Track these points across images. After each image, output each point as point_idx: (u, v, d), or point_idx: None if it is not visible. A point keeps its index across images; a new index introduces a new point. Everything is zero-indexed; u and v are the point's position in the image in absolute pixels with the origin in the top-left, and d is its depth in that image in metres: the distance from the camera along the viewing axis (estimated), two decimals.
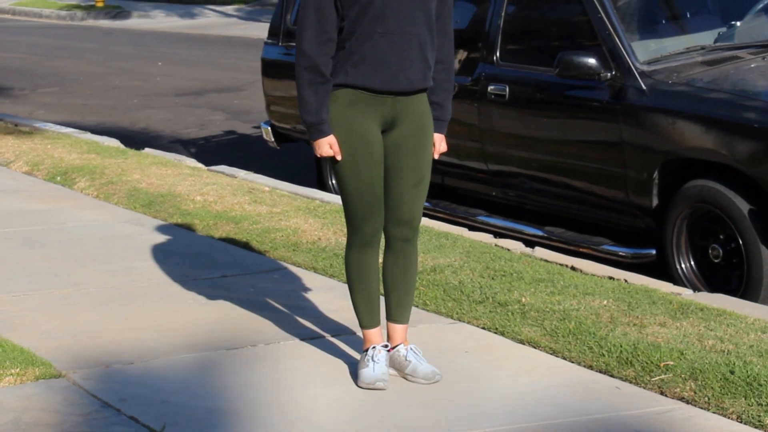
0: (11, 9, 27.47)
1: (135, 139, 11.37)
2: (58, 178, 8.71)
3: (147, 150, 10.03)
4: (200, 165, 9.36)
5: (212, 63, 17.24)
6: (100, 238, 6.90)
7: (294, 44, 8.80)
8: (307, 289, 5.76)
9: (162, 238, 6.93)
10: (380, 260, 4.50)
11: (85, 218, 7.49)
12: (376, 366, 4.32)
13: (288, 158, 10.14)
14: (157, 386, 4.34)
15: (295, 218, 7.10)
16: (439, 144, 4.39)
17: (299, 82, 4.16)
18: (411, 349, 4.43)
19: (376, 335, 4.40)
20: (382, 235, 4.41)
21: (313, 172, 8.79)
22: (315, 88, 4.13)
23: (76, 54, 18.92)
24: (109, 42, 20.71)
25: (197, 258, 6.42)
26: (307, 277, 5.99)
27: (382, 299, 4.50)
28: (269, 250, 6.50)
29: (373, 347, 4.37)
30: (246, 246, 6.65)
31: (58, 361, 4.56)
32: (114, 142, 10.33)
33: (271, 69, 9.01)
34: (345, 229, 6.77)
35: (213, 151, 10.86)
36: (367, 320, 4.41)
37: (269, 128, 9.10)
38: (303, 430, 3.98)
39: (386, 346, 4.41)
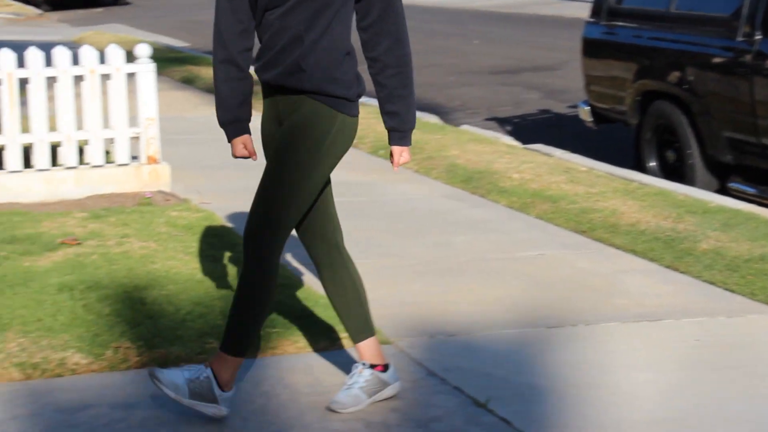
0: None
1: (451, 116, 11.58)
2: (381, 151, 9.01)
3: (464, 126, 10.20)
4: (516, 143, 9.42)
5: (527, 41, 17.27)
6: (420, 212, 7.09)
7: (617, 23, 8.74)
8: (625, 272, 5.69)
9: (480, 214, 7.04)
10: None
11: (406, 192, 7.71)
12: None
13: (605, 139, 10.02)
14: (480, 359, 4.42)
15: (613, 199, 7.01)
16: (398, 157, 3.87)
17: (215, 77, 3.78)
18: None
19: None
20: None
21: (630, 154, 8.65)
22: (231, 84, 3.75)
23: None
24: (426, 20, 21.14)
25: (515, 235, 6.48)
26: (626, 260, 5.91)
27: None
28: (587, 231, 6.47)
29: None
30: (563, 225, 6.65)
31: (386, 327, 4.73)
32: (433, 118, 10.57)
33: (592, 48, 8.92)
34: (665, 212, 6.65)
35: (528, 129, 10.89)
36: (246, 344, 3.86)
37: (587, 108, 9.03)
38: (622, 413, 3.94)
39: None
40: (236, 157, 3.82)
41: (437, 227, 6.65)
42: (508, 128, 10.98)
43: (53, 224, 6.27)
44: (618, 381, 4.24)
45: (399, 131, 3.84)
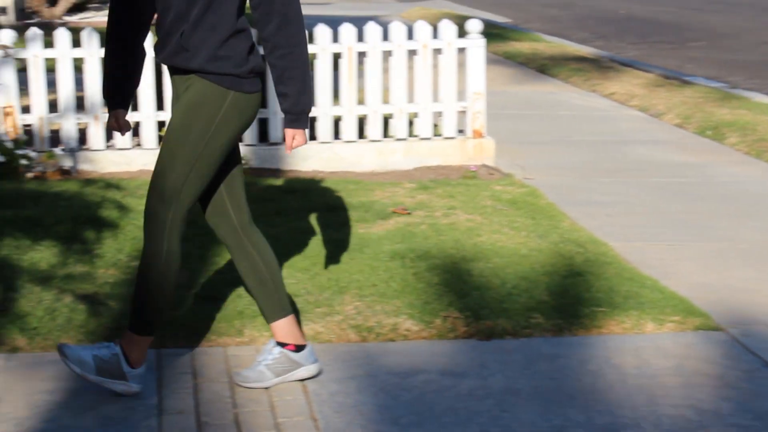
0: None
1: None
2: (708, 132, 8.72)
3: None
4: None
5: None
6: (753, 195, 6.81)
7: None
8: None
9: None
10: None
11: (736, 174, 7.43)
12: None
13: None
14: None
15: None
16: (289, 140, 3.69)
17: (104, 49, 3.79)
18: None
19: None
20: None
21: None
22: (114, 59, 3.76)
23: (726, 8, 18.71)
24: None
25: None
26: None
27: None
28: None
29: None
30: None
31: (716, 313, 4.58)
32: (764, 99, 10.12)
33: None
34: None
35: None
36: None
37: None
38: None
39: None
40: (108, 128, 3.94)
41: None
42: None
43: (384, 193, 6.49)
44: None
45: (291, 113, 3.68)
